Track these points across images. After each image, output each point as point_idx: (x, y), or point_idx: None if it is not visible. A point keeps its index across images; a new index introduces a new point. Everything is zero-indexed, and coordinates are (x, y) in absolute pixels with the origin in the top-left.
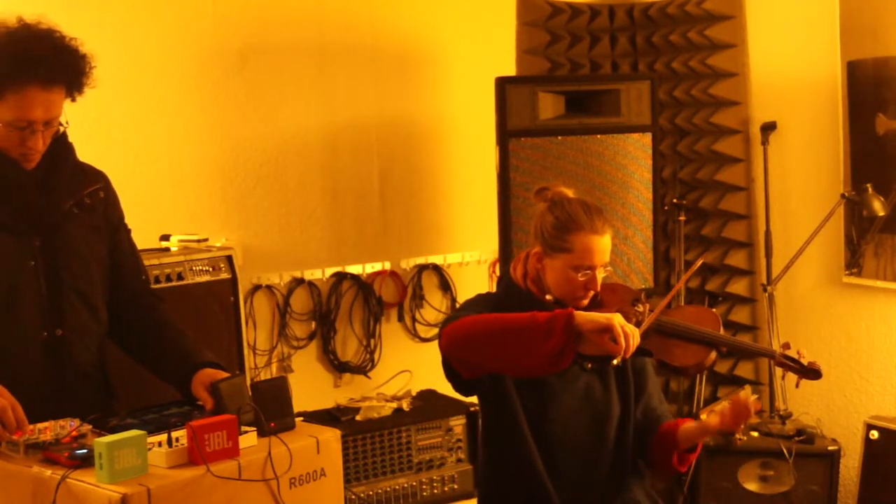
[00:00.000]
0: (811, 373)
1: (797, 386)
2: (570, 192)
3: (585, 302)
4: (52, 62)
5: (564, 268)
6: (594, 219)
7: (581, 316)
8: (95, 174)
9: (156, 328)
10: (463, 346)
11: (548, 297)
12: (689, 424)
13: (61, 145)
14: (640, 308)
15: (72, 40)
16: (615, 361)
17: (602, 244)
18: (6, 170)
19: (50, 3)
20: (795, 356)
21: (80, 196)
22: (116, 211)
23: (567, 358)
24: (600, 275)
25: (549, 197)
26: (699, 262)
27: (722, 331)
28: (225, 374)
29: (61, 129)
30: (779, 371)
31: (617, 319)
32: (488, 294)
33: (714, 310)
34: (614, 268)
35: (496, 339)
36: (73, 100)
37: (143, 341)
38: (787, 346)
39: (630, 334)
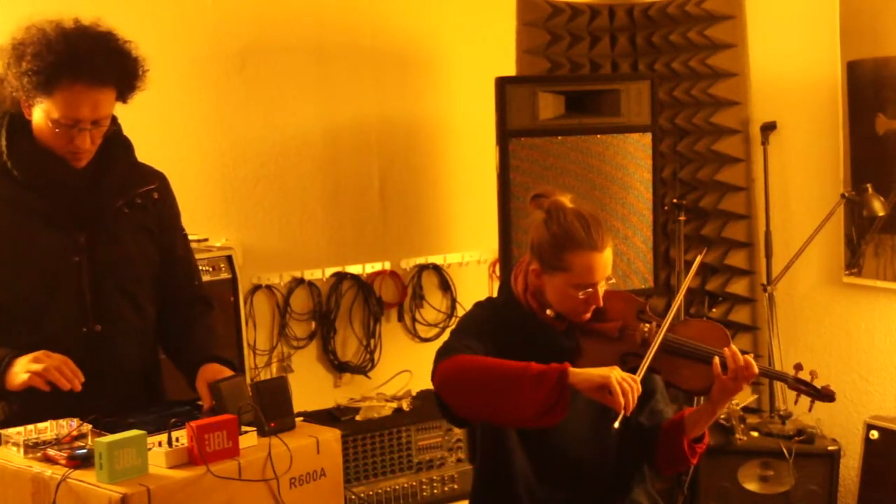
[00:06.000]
0: (825, 397)
1: (810, 410)
2: (567, 201)
3: (588, 316)
4: (101, 62)
5: (564, 286)
6: (592, 234)
7: (575, 375)
8: (151, 175)
9: (186, 325)
10: (453, 390)
11: (548, 311)
12: (693, 409)
13: (115, 144)
14: (646, 327)
15: (126, 43)
16: (616, 424)
17: (602, 260)
18: (54, 167)
19: (49, 3)
20: (808, 379)
21: (132, 195)
22: (172, 213)
23: (558, 414)
24: (602, 289)
25: (546, 207)
26: (698, 261)
27: (732, 346)
28: (229, 372)
29: (112, 128)
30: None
31: (614, 375)
32: (488, 304)
33: (716, 310)
34: (614, 268)
35: (485, 388)
36: (125, 101)
37: (171, 337)
38: (799, 367)
39: (629, 389)
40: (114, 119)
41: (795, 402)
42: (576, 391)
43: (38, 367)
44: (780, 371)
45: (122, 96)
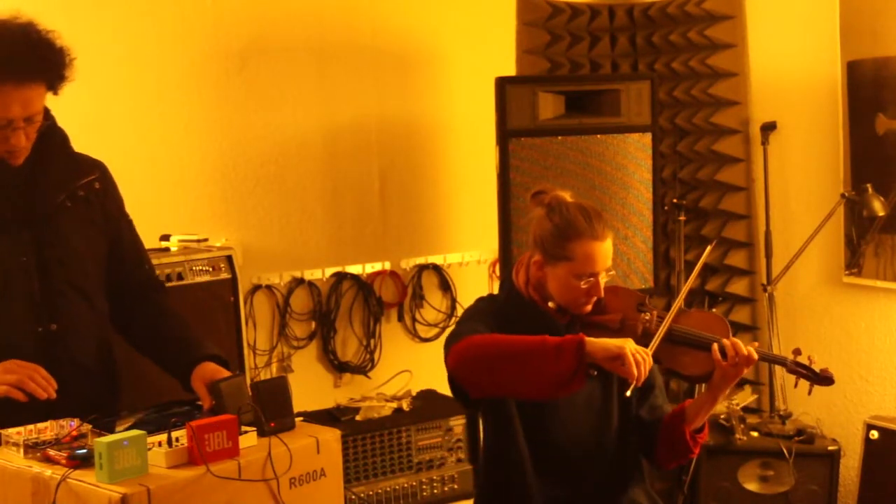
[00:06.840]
0: (824, 380)
1: (809, 393)
2: (567, 196)
3: (589, 308)
4: (25, 59)
5: (566, 276)
6: (594, 224)
7: (592, 344)
8: (91, 165)
9: (157, 319)
10: (470, 368)
11: (550, 304)
12: (694, 399)
13: (50, 137)
14: (647, 316)
15: (48, 33)
16: (627, 393)
17: (603, 250)
18: None
19: (48, 2)
20: (807, 363)
21: (73, 188)
22: (115, 202)
23: (576, 384)
24: (603, 280)
25: (547, 202)
26: (708, 250)
27: (731, 337)
28: (225, 370)
29: (45, 122)
30: (779, 371)
31: (629, 346)
32: (490, 299)
33: (716, 310)
34: (614, 268)
35: (503, 363)
36: (56, 93)
37: (145, 333)
38: (797, 352)
39: (641, 361)
40: (47, 112)
41: (795, 386)
42: (591, 368)
43: (12, 378)
44: (779, 355)
45: (53, 88)
